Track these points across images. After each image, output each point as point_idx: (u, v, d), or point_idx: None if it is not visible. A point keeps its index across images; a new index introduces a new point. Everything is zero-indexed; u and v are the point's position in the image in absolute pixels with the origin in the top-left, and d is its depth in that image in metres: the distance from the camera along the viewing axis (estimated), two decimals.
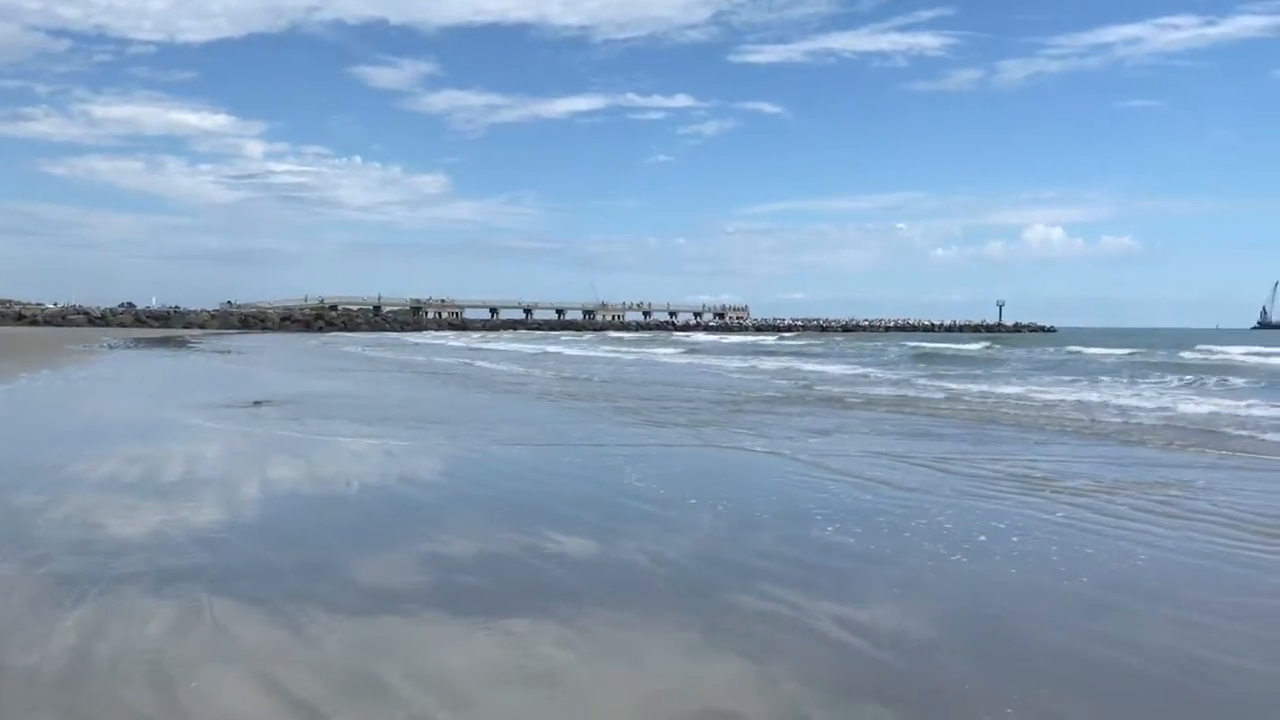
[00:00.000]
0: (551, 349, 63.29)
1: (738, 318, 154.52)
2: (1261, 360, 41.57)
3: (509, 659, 5.41)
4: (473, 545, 8.06)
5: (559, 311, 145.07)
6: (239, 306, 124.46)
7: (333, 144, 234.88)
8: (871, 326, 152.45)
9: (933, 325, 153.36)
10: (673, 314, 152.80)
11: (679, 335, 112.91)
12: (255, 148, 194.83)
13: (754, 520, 9.12)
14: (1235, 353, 48.60)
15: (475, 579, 7.04)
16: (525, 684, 5.08)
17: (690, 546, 8.06)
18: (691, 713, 4.72)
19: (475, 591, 6.74)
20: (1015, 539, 8.35)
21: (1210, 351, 50.36)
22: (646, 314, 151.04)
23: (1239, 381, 29.23)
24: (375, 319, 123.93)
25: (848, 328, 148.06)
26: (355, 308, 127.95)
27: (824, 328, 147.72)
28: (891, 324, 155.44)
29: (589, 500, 10.15)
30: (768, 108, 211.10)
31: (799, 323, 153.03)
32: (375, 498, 10.25)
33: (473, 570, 7.29)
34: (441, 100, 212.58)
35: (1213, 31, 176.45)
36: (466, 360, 45.42)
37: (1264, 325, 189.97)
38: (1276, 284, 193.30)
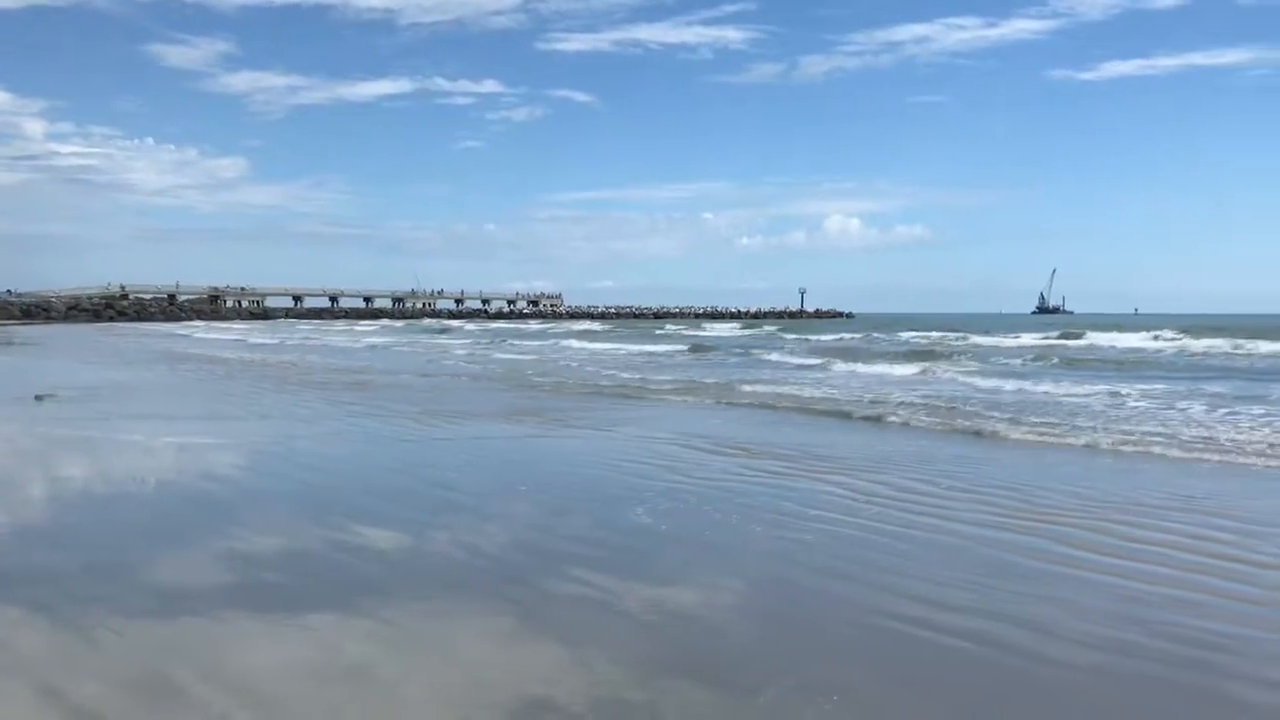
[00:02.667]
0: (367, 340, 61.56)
1: (552, 305, 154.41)
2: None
3: (315, 656, 5.26)
4: (275, 541, 7.78)
5: (367, 299, 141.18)
6: (20, 296, 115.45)
7: (123, 125, 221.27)
8: (681, 313, 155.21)
9: (740, 312, 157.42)
10: (486, 301, 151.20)
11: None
12: (36, 127, 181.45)
13: (564, 507, 9.16)
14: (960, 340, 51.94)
15: (278, 575, 6.80)
16: (332, 680, 4.95)
17: (501, 535, 8.03)
18: (506, 700, 4.71)
19: (278, 588, 6.51)
20: (810, 518, 8.70)
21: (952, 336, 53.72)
22: (459, 301, 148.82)
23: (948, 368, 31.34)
24: (170, 308, 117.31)
25: (659, 314, 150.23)
26: (149, 296, 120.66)
27: (637, 315, 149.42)
28: (701, 310, 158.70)
29: (397, 492, 9.96)
30: (577, 96, 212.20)
31: (612, 310, 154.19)
32: (170, 494, 9.74)
33: (275, 566, 7.03)
34: (240, 81, 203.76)
35: (993, 33, 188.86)
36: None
37: (1042, 310, 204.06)
38: (1053, 271, 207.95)
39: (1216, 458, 11.98)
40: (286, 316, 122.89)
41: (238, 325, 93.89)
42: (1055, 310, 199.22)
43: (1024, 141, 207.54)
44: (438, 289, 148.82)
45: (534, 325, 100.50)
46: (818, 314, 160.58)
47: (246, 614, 5.92)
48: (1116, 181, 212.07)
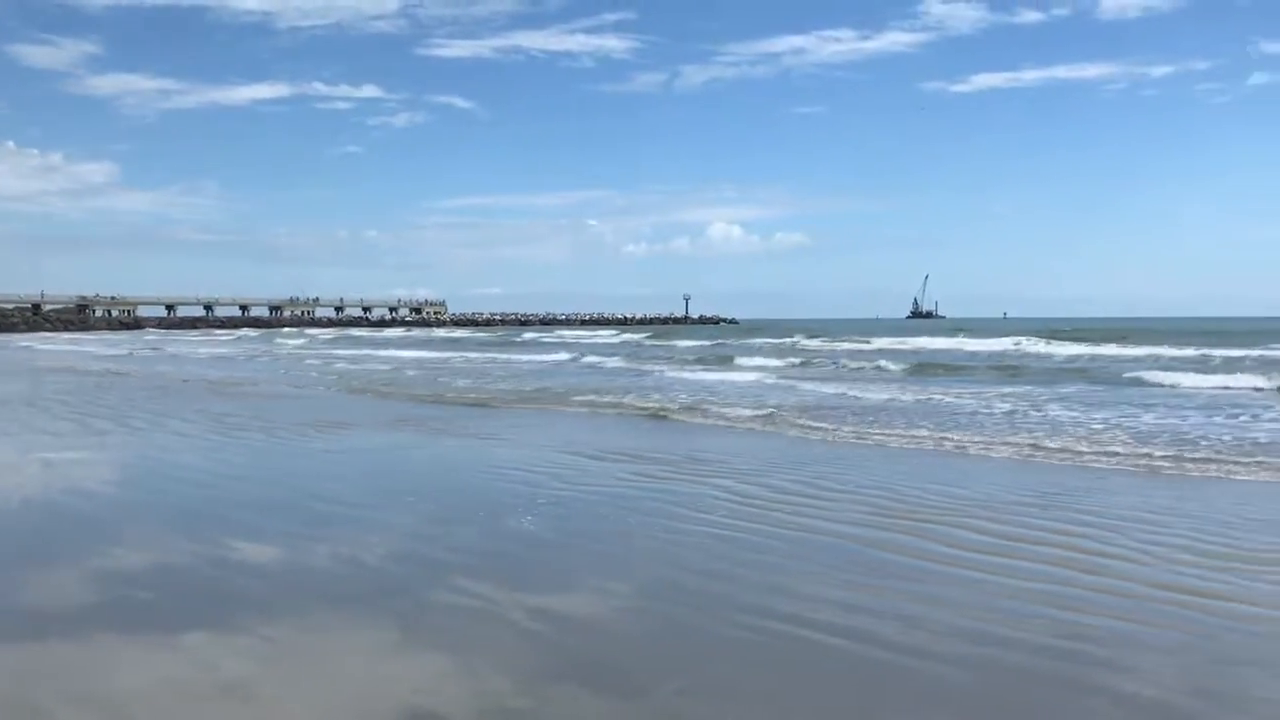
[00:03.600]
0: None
1: (435, 313, 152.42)
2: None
3: (190, 675, 5.11)
4: (146, 557, 7.52)
5: (244, 308, 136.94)
6: None
7: None
8: (568, 320, 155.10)
9: (626, 318, 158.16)
10: (367, 309, 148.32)
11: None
12: None
13: (445, 516, 9.10)
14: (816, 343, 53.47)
15: (150, 594, 6.58)
16: (209, 700, 4.82)
17: (382, 546, 7.93)
18: (390, 712, 4.66)
19: (150, 606, 6.30)
20: (693, 523, 8.83)
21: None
22: (339, 310, 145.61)
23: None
24: (34, 318, 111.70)
25: (545, 321, 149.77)
26: (11, 306, 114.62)
27: (523, 322, 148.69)
28: (586, 317, 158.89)
29: (273, 505, 9.73)
30: (459, 102, 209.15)
31: (497, 317, 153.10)
32: (32, 512, 9.32)
33: (147, 584, 6.80)
34: (108, 84, 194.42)
35: (868, 45, 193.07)
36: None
37: (916, 314, 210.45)
38: (925, 277, 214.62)
39: (1071, 458, 12.57)
40: (160, 326, 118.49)
41: (87, 337, 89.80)
42: (928, 315, 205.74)
43: (899, 151, 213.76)
44: (313, 297, 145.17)
45: (393, 333, 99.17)
46: (702, 320, 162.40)
47: (116, 634, 5.72)
48: (987, 189, 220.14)
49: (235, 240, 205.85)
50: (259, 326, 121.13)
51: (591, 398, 21.51)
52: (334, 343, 67.78)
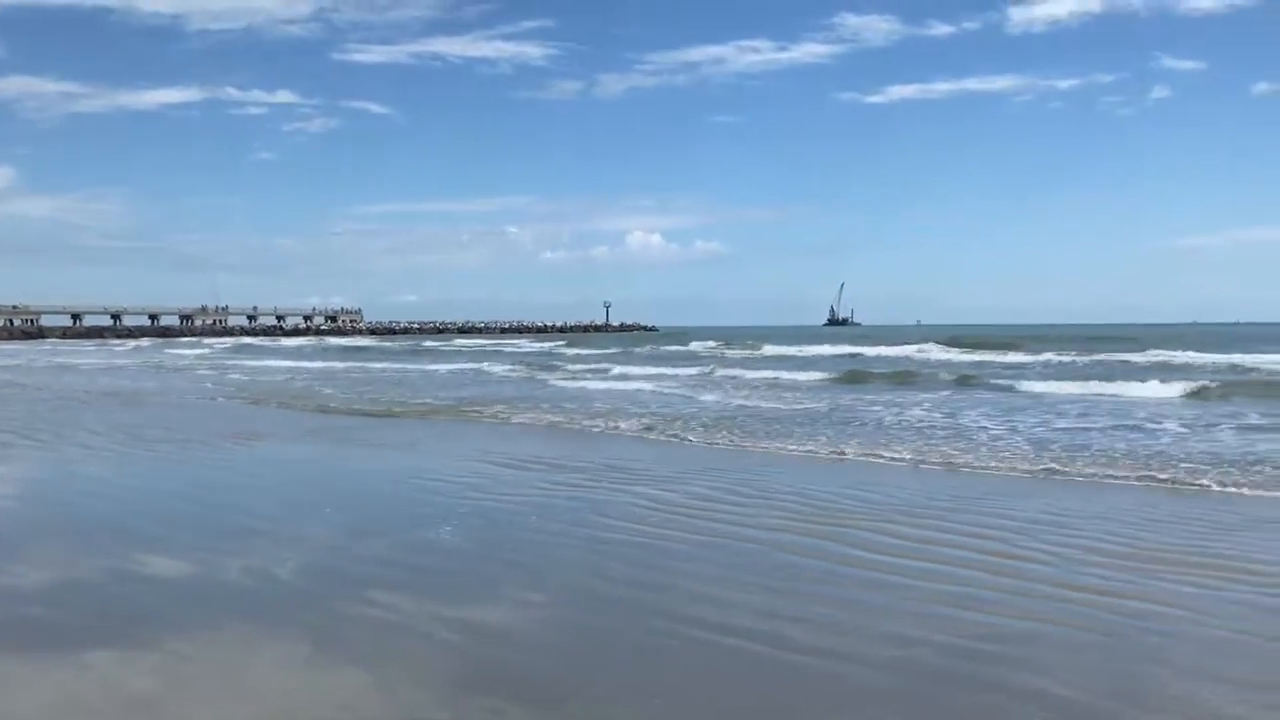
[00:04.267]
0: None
1: (351, 321, 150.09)
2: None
3: (94, 694, 4.95)
4: (49, 574, 7.27)
5: (153, 317, 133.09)
6: None
7: None
8: (487, 328, 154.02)
9: (545, 326, 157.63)
10: (280, 318, 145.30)
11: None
12: None
13: (361, 528, 8.97)
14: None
15: (50, 611, 6.36)
16: (114, 718, 4.68)
17: (295, 559, 7.78)
18: None
19: (50, 625, 6.09)
20: (612, 530, 8.84)
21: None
22: (252, 318, 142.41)
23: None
24: None
25: (464, 329, 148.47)
26: None
27: (440, 330, 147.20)
28: (506, 325, 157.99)
29: (179, 517, 9.49)
30: (375, 108, 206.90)
31: (415, 325, 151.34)
32: None
33: (46, 602, 6.57)
34: (8, 86, 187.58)
35: (784, 56, 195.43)
36: None
37: (833, 322, 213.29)
38: (841, 285, 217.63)
39: (974, 462, 12.88)
40: (64, 336, 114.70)
41: None
42: (844, 322, 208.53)
43: (816, 161, 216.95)
44: (224, 305, 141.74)
45: (294, 342, 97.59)
46: (622, 327, 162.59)
47: (13, 655, 5.52)
48: (902, 198, 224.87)
49: (144, 247, 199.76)
50: (169, 336, 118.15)
51: (500, 408, 21.40)
52: (234, 351, 66.46)
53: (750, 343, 61.63)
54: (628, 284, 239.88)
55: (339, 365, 44.91)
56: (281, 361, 49.94)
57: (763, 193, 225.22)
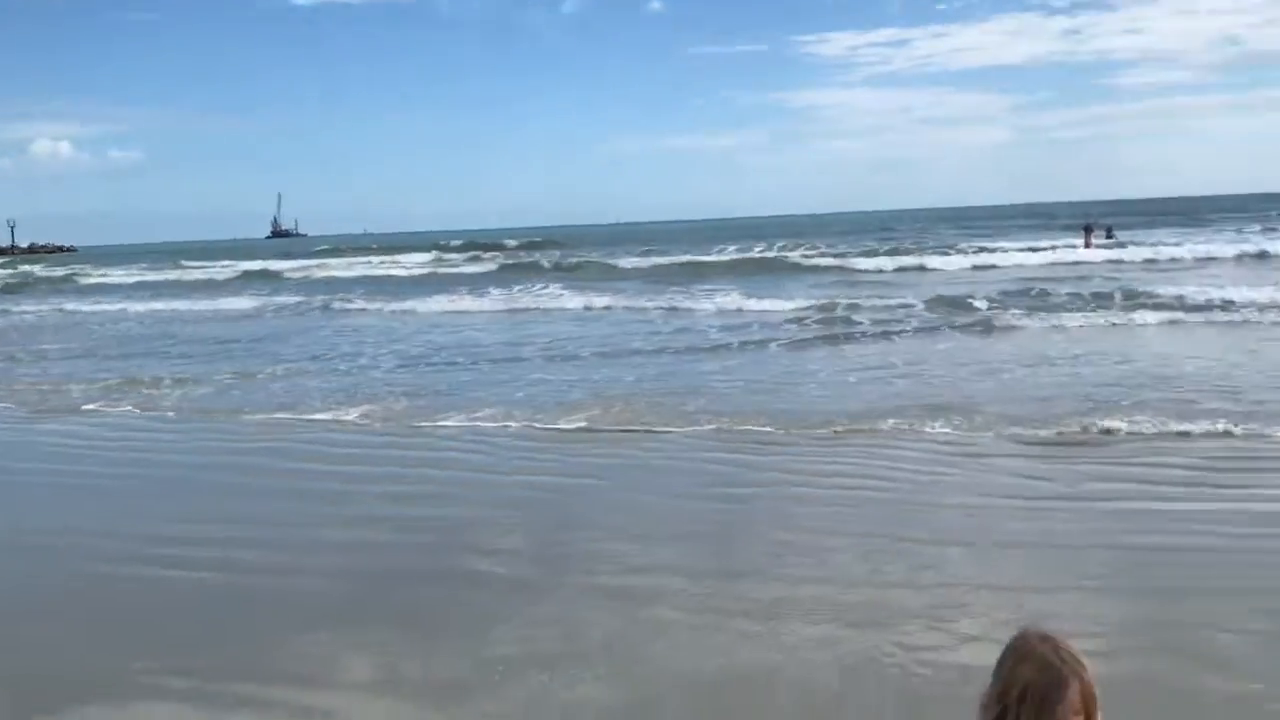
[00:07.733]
0: None
1: None
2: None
3: None
4: None
5: None
6: None
7: None
8: None
9: None
10: None
11: None
12: None
13: None
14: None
15: None
16: None
17: None
18: None
19: None
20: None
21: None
22: None
23: None
24: None
25: None
26: None
27: None
28: None
29: None
30: None
31: None
32: None
33: None
34: None
35: None
36: None
37: (276, 234, 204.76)
38: (279, 196, 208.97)
39: None
40: None
41: None
42: (289, 234, 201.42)
43: (242, 64, 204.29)
44: None
45: None
46: (33, 249, 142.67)
47: None
48: (338, 106, 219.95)
49: None
50: None
51: None
52: None
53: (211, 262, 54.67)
54: (38, 200, 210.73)
55: None
56: None
57: (186, 98, 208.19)
